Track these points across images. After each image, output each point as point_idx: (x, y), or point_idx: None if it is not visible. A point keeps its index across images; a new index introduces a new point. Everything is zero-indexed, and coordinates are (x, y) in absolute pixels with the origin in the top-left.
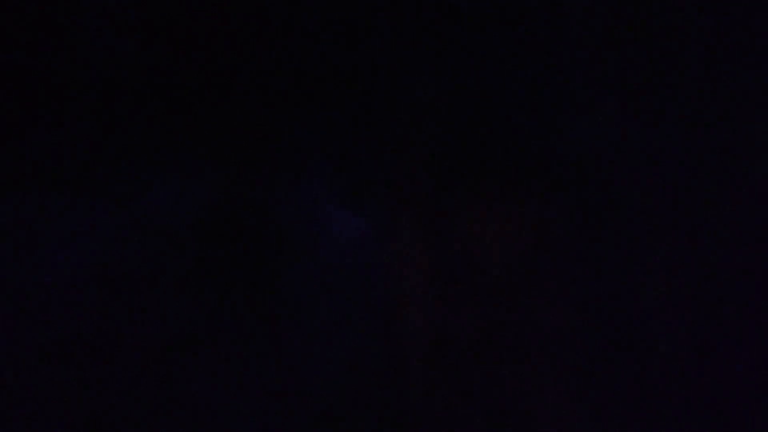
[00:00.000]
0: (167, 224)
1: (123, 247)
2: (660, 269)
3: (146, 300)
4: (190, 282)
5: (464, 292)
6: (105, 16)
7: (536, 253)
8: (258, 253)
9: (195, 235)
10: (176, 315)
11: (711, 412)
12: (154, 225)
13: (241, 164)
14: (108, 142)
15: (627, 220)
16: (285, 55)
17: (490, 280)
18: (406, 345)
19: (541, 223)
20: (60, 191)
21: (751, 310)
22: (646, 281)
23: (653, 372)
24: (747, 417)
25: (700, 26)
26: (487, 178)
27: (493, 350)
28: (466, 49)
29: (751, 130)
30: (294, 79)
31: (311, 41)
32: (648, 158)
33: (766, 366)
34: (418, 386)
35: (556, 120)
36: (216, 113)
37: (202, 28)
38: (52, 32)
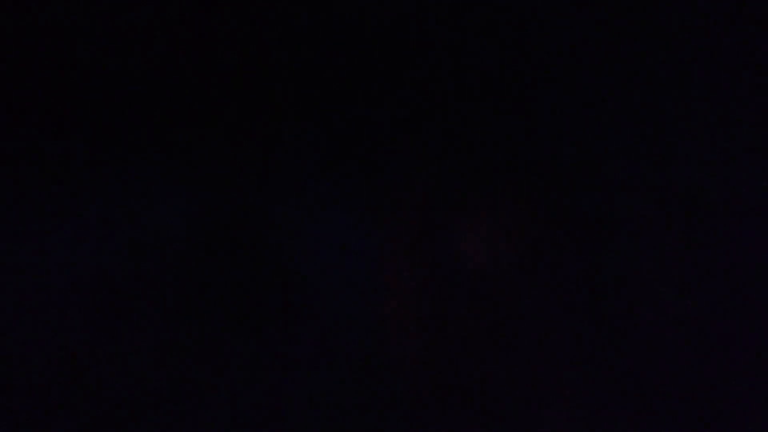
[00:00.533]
0: (162, 234)
1: (119, 257)
2: (659, 271)
3: (142, 310)
4: (185, 290)
5: (461, 295)
6: (101, 27)
7: (535, 256)
8: (253, 259)
9: (191, 243)
10: (172, 324)
11: (709, 413)
12: (148, 236)
13: (235, 172)
14: (102, 152)
15: (625, 222)
16: (278, 61)
17: (488, 284)
18: (402, 349)
19: (540, 226)
20: (56, 203)
21: (751, 311)
22: (646, 283)
23: (653, 373)
24: (748, 417)
25: (697, 25)
26: (485, 181)
27: (491, 353)
28: (461, 52)
29: (751, 132)
30: (287, 84)
31: (304, 46)
32: (645, 160)
33: (767, 366)
34: (414, 390)
35: (553, 121)
36: (209, 120)
37: (196, 37)
38: (50, 45)
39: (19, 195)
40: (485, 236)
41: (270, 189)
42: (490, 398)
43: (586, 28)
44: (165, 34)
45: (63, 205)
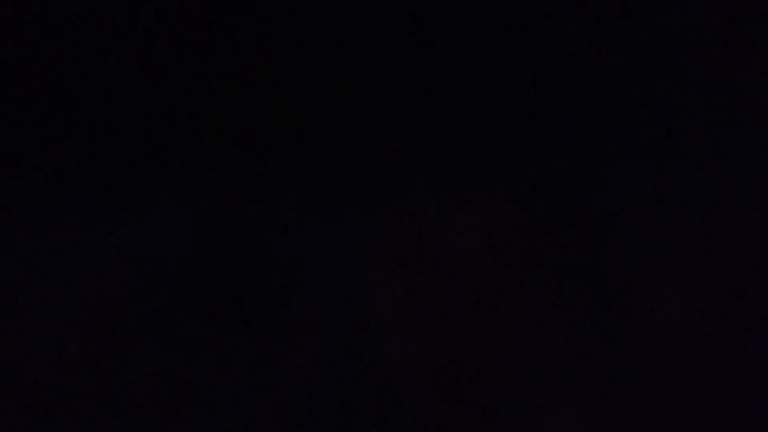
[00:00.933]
0: (160, 248)
1: (118, 272)
2: (658, 269)
3: (141, 325)
4: (184, 302)
5: (460, 296)
6: (103, 30)
7: (534, 257)
8: (253, 263)
9: (189, 246)
10: (171, 338)
11: (705, 414)
12: (146, 250)
13: (233, 176)
14: (100, 168)
15: (624, 220)
16: (275, 65)
17: (488, 285)
18: (402, 351)
19: (539, 227)
20: (56, 215)
21: (752, 311)
22: (645, 282)
23: (653, 371)
24: (749, 417)
25: (697, 25)
26: (483, 183)
27: (491, 355)
28: (460, 53)
29: (750, 135)
30: (285, 88)
31: (295, 52)
32: (645, 159)
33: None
34: (414, 390)
35: (551, 121)
36: (207, 126)
37: (197, 44)
38: (50, 49)
39: (19, 202)
40: (483, 238)
41: (269, 191)
42: (490, 399)
43: (586, 28)
44: (167, 41)
45: (64, 211)
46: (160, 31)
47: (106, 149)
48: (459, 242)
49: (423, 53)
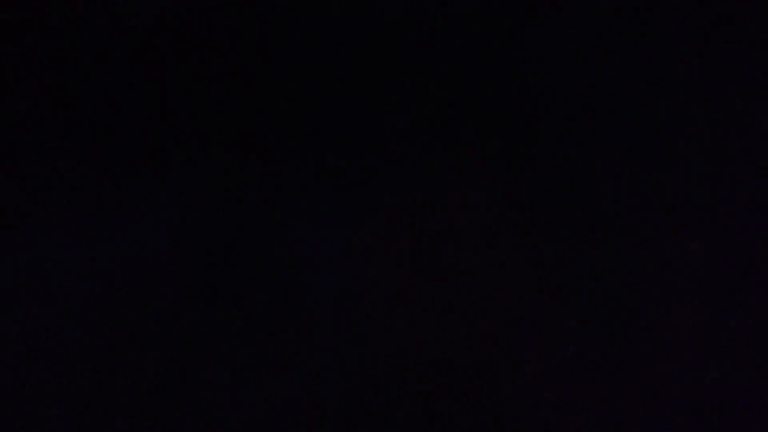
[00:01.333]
0: (160, 249)
1: (118, 273)
2: (655, 265)
3: (141, 325)
4: (184, 303)
5: (455, 298)
6: (96, 40)
7: (530, 259)
8: (249, 272)
9: (188, 257)
10: (171, 338)
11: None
12: (146, 251)
13: (233, 180)
14: (101, 168)
15: (616, 216)
16: (268, 70)
17: (482, 287)
18: (398, 353)
19: (534, 228)
20: (56, 216)
21: (749, 311)
22: (645, 278)
23: (656, 368)
24: (753, 418)
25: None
26: (476, 183)
27: (491, 358)
28: (449, 49)
29: (750, 135)
30: (285, 92)
31: (295, 53)
32: (644, 158)
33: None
34: (413, 395)
35: (542, 120)
36: (207, 130)
37: (190, 49)
38: (49, 54)
39: (19, 202)
40: (484, 238)
41: (269, 192)
42: (492, 400)
43: (586, 28)
44: (168, 42)
45: (64, 212)
46: (160, 31)
47: (107, 150)
48: (459, 242)
49: (423, 53)
